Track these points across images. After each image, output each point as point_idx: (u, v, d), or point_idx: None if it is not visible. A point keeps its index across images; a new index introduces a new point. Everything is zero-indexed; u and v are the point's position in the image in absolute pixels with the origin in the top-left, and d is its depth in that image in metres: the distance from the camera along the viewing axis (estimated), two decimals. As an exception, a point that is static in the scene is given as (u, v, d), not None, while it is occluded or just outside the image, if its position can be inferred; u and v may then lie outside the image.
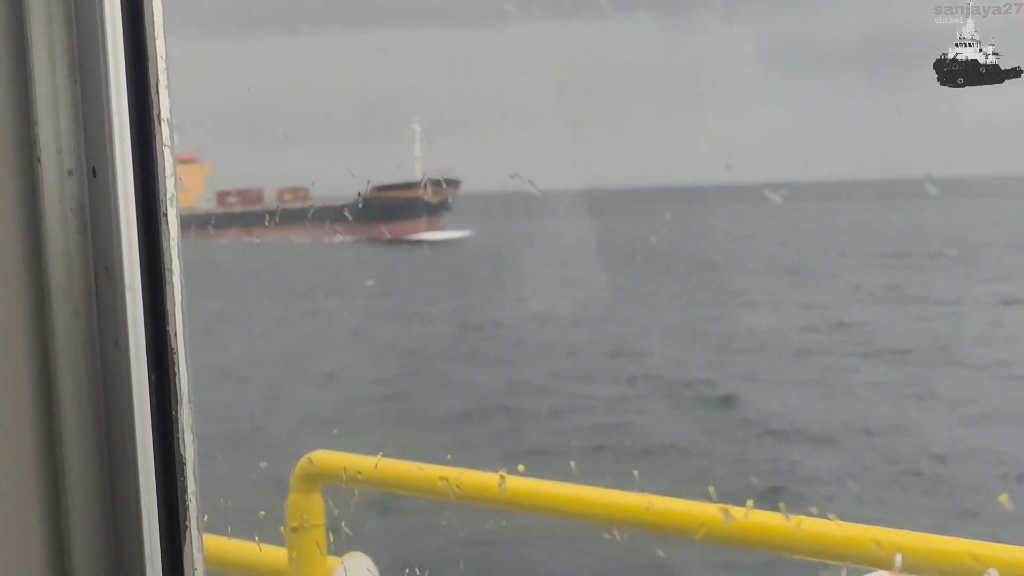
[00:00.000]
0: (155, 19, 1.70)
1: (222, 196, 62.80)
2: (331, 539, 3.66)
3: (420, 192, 55.62)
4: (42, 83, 1.69)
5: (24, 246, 1.68)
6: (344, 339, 26.51)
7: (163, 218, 1.76)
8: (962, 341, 23.86)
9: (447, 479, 3.21)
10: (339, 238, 55.14)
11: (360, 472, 3.44)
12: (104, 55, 1.70)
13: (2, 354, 1.66)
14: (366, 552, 3.62)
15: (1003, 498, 9.05)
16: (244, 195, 61.65)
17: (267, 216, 53.89)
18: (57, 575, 1.68)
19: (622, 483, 3.17)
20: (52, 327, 1.69)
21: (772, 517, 2.77)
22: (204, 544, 1.75)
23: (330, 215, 45.00)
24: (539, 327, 27.07)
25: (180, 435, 1.73)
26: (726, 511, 2.77)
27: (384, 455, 3.38)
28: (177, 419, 1.73)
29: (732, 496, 2.75)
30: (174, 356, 1.71)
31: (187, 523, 1.74)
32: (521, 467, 3.16)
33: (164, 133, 1.76)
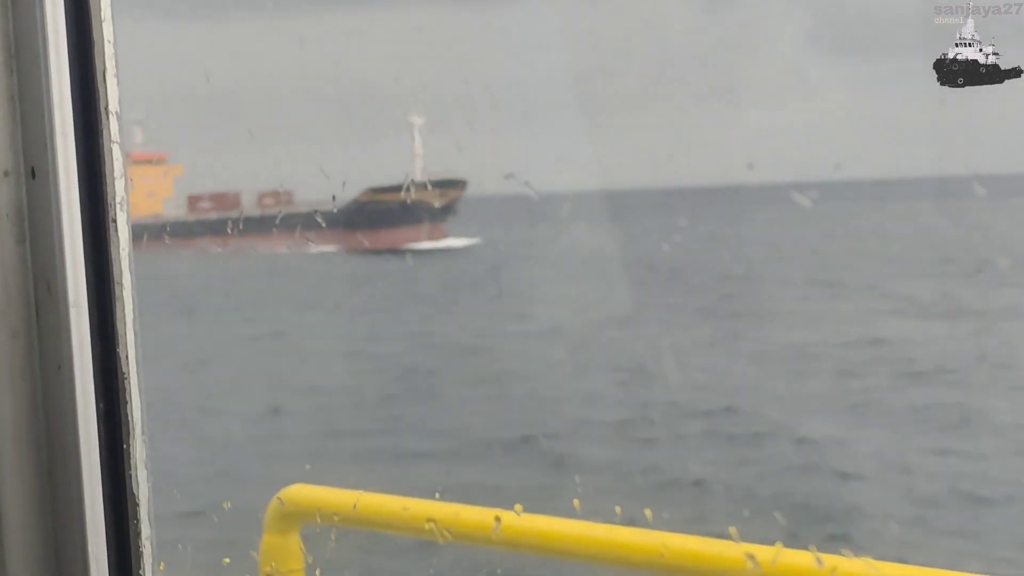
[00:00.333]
0: (101, -1, 1.66)
1: (194, 201, 62.48)
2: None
3: (422, 195, 55.29)
4: (-28, 72, 1.66)
5: (-49, 258, 1.65)
6: (326, 363, 26.47)
7: (112, 225, 1.72)
8: (1017, 361, 23.83)
9: (435, 520, 3.17)
10: (329, 248, 54.59)
11: (337, 512, 3.41)
12: (43, 39, 1.65)
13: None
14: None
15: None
16: (219, 200, 61.24)
17: (245, 223, 53.44)
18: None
19: (633, 522, 3.13)
20: (-15, 350, 1.65)
21: (802, 558, 2.74)
22: (160, 597, 1.71)
23: (318, 222, 44.67)
24: (549, 345, 27.01)
25: (132, 472, 1.69)
26: (750, 555, 2.73)
27: (365, 491, 3.34)
28: (129, 453, 1.69)
29: (757, 536, 2.70)
30: (125, 382, 1.67)
31: (141, 572, 1.69)
32: (518, 507, 3.12)
33: (113, 128, 1.71)
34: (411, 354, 27.01)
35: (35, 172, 1.71)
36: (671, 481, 15.26)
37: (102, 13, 1.70)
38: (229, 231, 52.54)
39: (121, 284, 1.71)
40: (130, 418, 1.71)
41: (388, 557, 9.76)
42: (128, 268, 1.72)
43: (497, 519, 3.11)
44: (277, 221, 45.78)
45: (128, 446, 1.73)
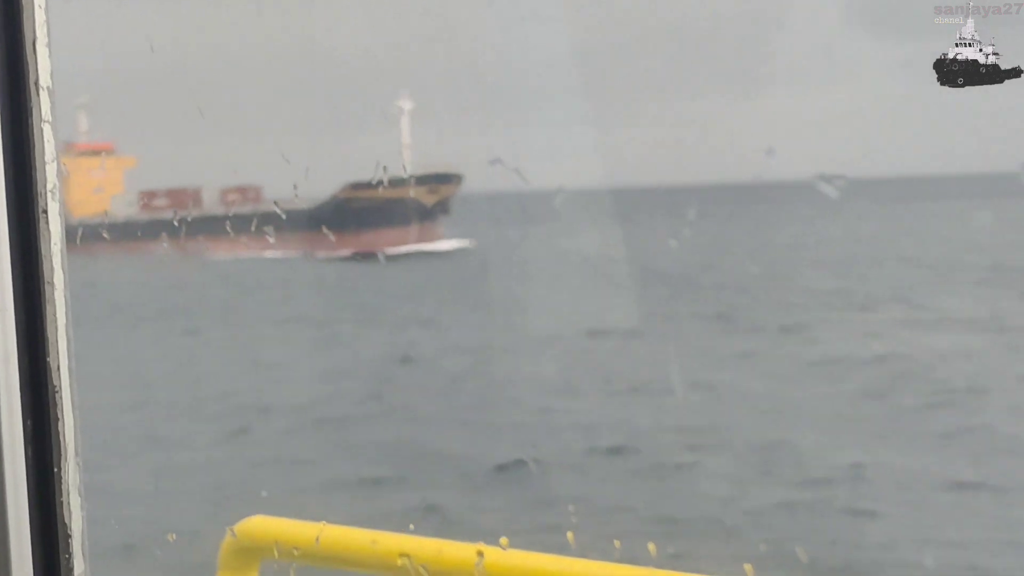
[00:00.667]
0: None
1: (147, 198, 61.88)
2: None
3: (410, 192, 54.69)
4: None
5: None
6: (291, 381, 26.38)
7: (42, 216, 1.68)
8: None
9: (409, 555, 3.14)
10: (302, 252, 53.43)
11: (298, 546, 3.38)
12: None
13: None
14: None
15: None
16: (176, 196, 60.24)
17: (206, 223, 52.88)
18: None
19: (635, 559, 3.11)
20: None
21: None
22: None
23: (291, 222, 44.24)
24: (541, 360, 26.97)
25: (64, 499, 1.66)
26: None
27: (330, 522, 3.31)
28: (60, 478, 1.65)
29: (774, 574, 2.68)
30: (56, 396, 1.63)
31: (73, 612, 1.66)
32: (503, 540, 3.09)
33: (44, 105, 1.67)
34: (386, 370, 26.98)
35: (-47, 156, 1.67)
36: (673, 516, 15.22)
37: (32, -25, 1.65)
38: (185, 233, 51.67)
39: (52, 284, 1.67)
40: (62, 438, 1.67)
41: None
42: (61, 266, 1.68)
43: (480, 554, 3.09)
44: (253, 224, 45.39)
45: (59, 470, 1.69)
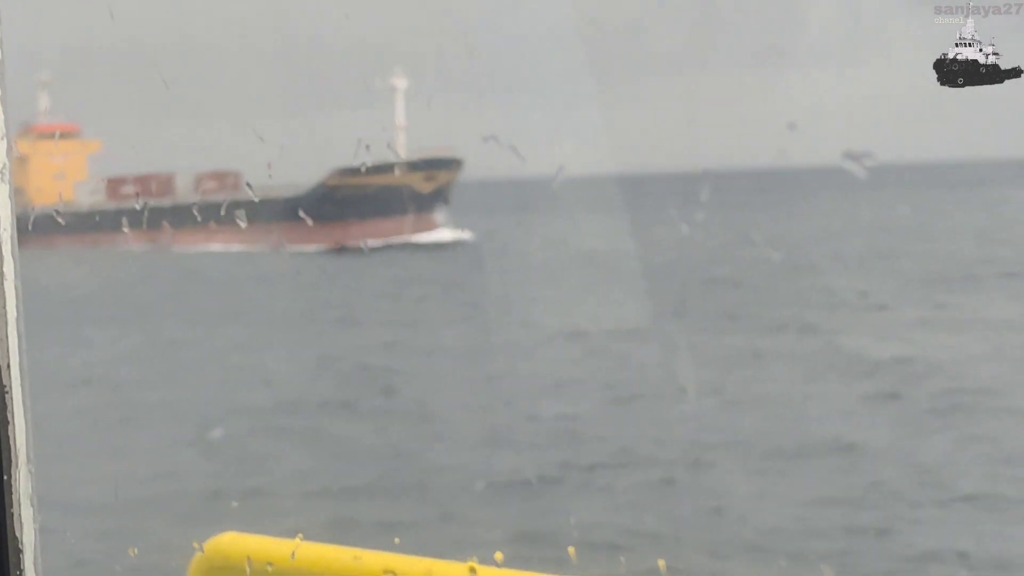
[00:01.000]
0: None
1: (114, 185, 61.44)
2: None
3: (405, 177, 54.04)
4: None
5: None
6: (269, 381, 26.39)
7: (-10, 200, 1.68)
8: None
9: (395, 572, 3.14)
10: (287, 244, 53.82)
11: (272, 562, 3.37)
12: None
13: None
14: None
15: None
16: (147, 183, 59.51)
17: (179, 213, 52.39)
18: None
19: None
20: None
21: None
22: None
23: (274, 211, 43.78)
24: (540, 362, 26.93)
25: (15, 510, 1.65)
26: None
27: (306, 537, 3.30)
28: (11, 487, 1.65)
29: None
30: (6, 397, 1.61)
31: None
32: (498, 555, 3.09)
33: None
34: (370, 371, 26.95)
35: None
36: (675, 530, 15.22)
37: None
38: (154, 223, 51.16)
39: (2, 273, 1.65)
40: (12, 443, 1.67)
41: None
42: (11, 254, 1.66)
43: (472, 571, 3.10)
44: (225, 212, 44.89)
45: (9, 477, 1.68)
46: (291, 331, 32.57)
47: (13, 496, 1.66)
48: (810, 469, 17.84)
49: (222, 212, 42.23)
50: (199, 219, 54.00)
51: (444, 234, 57.41)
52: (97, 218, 53.84)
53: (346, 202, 53.08)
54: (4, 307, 1.63)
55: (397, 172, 55.04)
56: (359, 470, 18.61)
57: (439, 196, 57.43)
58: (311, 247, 53.64)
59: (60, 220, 46.77)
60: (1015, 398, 22.20)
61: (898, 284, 38.64)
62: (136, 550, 10.49)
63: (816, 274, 40.97)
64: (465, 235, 57.56)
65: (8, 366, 1.62)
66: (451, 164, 56.93)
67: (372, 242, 54.91)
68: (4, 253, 1.61)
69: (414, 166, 55.48)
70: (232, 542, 3.62)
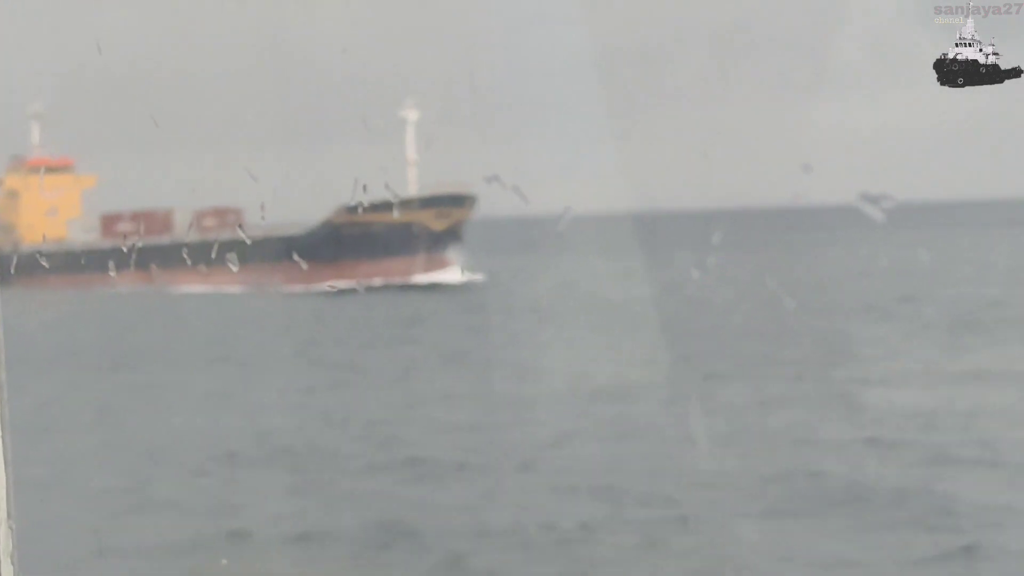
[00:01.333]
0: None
1: (109, 222, 60.92)
2: None
3: (417, 215, 53.71)
4: None
5: None
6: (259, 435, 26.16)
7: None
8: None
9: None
10: (290, 286, 52.70)
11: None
12: None
13: None
14: None
15: None
16: (144, 220, 59.30)
17: (176, 251, 51.59)
18: None
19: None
20: None
21: None
22: None
23: (276, 250, 43.19)
24: (541, 422, 26.50)
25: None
26: None
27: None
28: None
29: None
30: (-12, 452, 1.62)
31: None
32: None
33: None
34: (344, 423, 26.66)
35: None
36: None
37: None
38: (150, 262, 50.70)
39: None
40: (-7, 499, 1.67)
41: None
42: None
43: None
44: (215, 253, 44.20)
45: (-11, 536, 1.69)
46: (289, 384, 32.22)
47: (-8, 556, 1.66)
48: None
49: (215, 253, 41.98)
50: (197, 259, 53.56)
51: (455, 275, 56.72)
52: (83, 261, 53.39)
53: (353, 240, 52.98)
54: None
55: (407, 209, 54.56)
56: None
57: (452, 234, 57.21)
58: (316, 288, 53.16)
59: (44, 263, 46.60)
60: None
61: (917, 330, 38.39)
62: None
63: (833, 320, 40.71)
64: (479, 276, 56.92)
65: (-9, 420, 1.62)
66: (464, 201, 56.61)
67: (379, 282, 54.50)
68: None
69: (426, 203, 55.03)
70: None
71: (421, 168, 58.79)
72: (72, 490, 20.63)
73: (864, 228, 73.50)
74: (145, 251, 55.09)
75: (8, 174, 63.08)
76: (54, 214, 63.53)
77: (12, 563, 1.72)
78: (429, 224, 55.39)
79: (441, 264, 57.49)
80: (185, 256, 50.96)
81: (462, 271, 56.93)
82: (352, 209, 50.96)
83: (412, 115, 59.38)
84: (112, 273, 51.33)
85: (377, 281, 54.72)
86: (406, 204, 54.44)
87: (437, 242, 56.72)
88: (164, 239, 55.89)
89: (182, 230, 58.72)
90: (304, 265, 54.46)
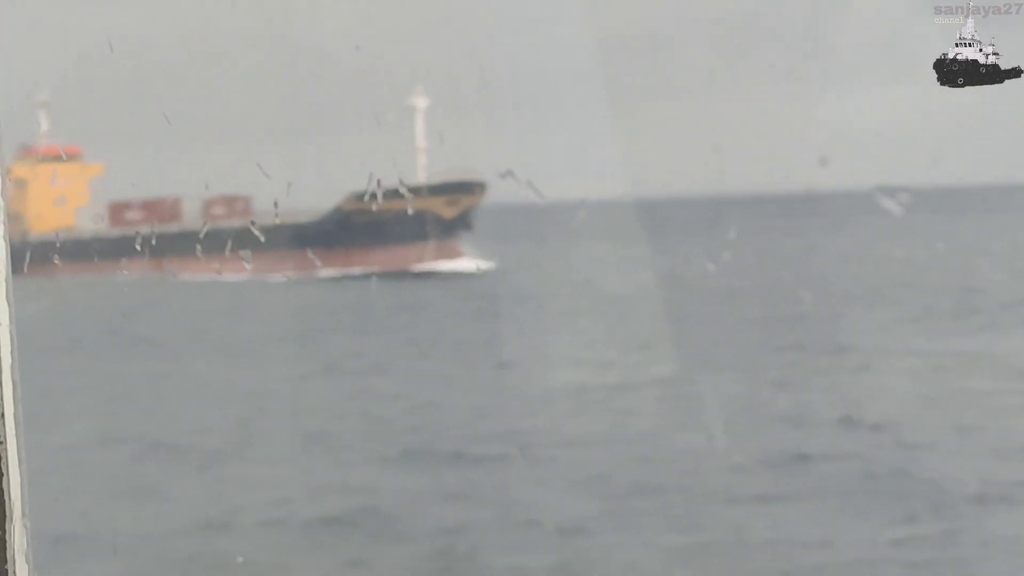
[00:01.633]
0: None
1: (118, 210, 61.13)
2: None
3: (426, 202, 54.18)
4: None
5: None
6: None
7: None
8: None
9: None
10: (301, 272, 53.47)
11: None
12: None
13: None
14: None
15: None
16: (152, 208, 59.95)
17: (186, 240, 51.63)
18: None
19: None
20: None
21: None
22: None
23: (286, 237, 43.06)
24: (552, 419, 26.26)
25: (11, 565, 1.64)
26: None
27: None
28: (5, 542, 1.65)
29: None
30: (1, 448, 1.62)
31: None
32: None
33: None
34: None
35: None
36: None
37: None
38: (160, 251, 50.72)
39: (-3, 321, 1.65)
40: (7, 496, 1.67)
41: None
42: (7, 300, 1.66)
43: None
44: (231, 238, 44.06)
45: (3, 532, 1.69)
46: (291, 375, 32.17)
47: (7, 552, 1.66)
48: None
49: (224, 241, 41.74)
50: (206, 247, 53.63)
51: (465, 263, 56.51)
52: (91, 249, 53.40)
53: (364, 228, 53.24)
54: (1, 359, 1.63)
55: (417, 196, 54.52)
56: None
57: (462, 222, 57.05)
58: (328, 272, 53.15)
59: (57, 261, 46.55)
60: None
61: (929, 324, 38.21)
62: None
63: (846, 311, 40.57)
64: (487, 265, 56.63)
65: (2, 415, 1.62)
66: (475, 188, 56.46)
67: (387, 270, 54.41)
68: (1, 299, 1.61)
69: (435, 189, 54.99)
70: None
71: (430, 156, 58.71)
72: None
73: (881, 213, 73.37)
74: (154, 239, 55.18)
75: (16, 163, 63.33)
76: (62, 203, 63.62)
77: (27, 562, 1.72)
78: (439, 211, 55.33)
79: (452, 252, 57.34)
80: (194, 244, 50.94)
81: (473, 260, 56.79)
82: (361, 196, 51.09)
83: (421, 102, 59.34)
84: (121, 261, 51.35)
85: (382, 269, 54.67)
86: (415, 191, 54.47)
87: (447, 229, 56.51)
88: (173, 227, 56.04)
89: (191, 218, 58.87)
90: (313, 253, 54.41)
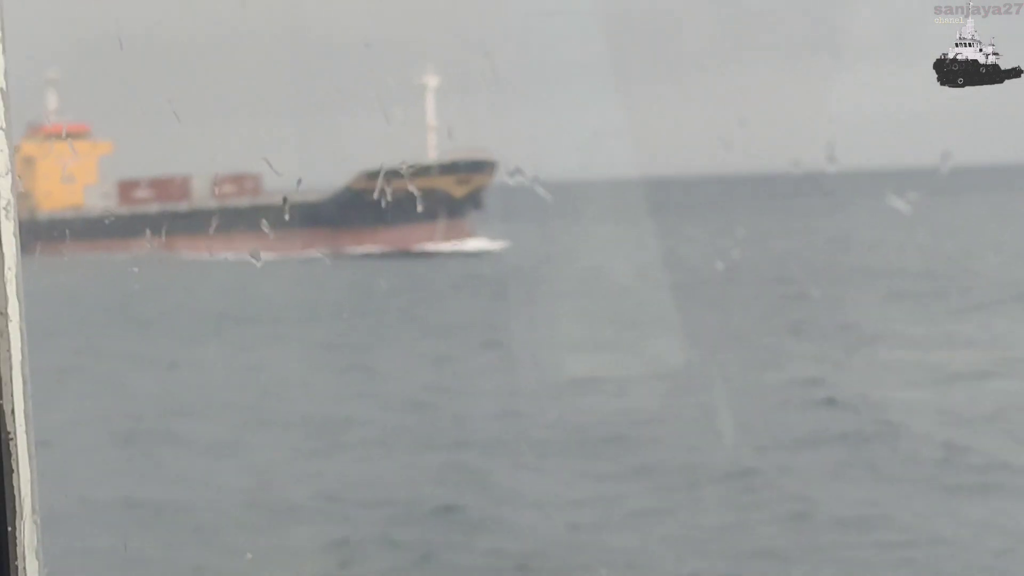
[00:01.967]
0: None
1: (126, 188, 61.29)
2: None
3: (436, 181, 54.04)
4: None
5: None
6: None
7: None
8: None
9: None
10: (308, 251, 52.27)
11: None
12: None
13: None
14: None
15: None
16: (161, 186, 60.22)
17: (195, 218, 51.93)
18: None
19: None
20: None
21: None
22: None
23: (295, 216, 43.00)
24: (558, 415, 26.04)
25: (20, 563, 1.64)
26: None
27: None
28: (15, 539, 1.64)
29: None
30: (10, 444, 1.62)
31: None
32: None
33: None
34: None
35: None
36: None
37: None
38: (167, 228, 50.93)
39: (6, 315, 1.65)
40: (17, 492, 1.66)
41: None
42: (16, 295, 1.65)
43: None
44: (240, 216, 44.07)
45: (14, 529, 1.68)
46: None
47: (18, 549, 1.65)
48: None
49: (233, 219, 41.70)
50: (216, 225, 53.79)
51: (475, 243, 56.49)
52: (100, 227, 53.40)
53: (373, 207, 52.80)
54: (9, 349, 1.62)
55: (427, 175, 54.52)
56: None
57: (472, 201, 57.02)
58: (338, 253, 53.16)
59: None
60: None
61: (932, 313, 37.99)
62: None
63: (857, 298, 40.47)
64: (498, 245, 56.61)
65: (12, 411, 1.61)
66: (485, 166, 56.24)
67: (398, 247, 54.47)
68: (9, 294, 1.60)
69: (446, 168, 54.90)
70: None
71: (440, 135, 58.75)
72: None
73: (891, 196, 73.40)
74: (163, 218, 55.34)
75: (24, 141, 63.43)
76: (71, 181, 63.73)
77: (37, 558, 1.71)
78: (449, 190, 55.27)
79: (461, 231, 57.36)
80: (203, 222, 51.04)
81: (484, 239, 56.85)
82: (372, 175, 50.99)
83: (432, 81, 59.41)
84: (130, 240, 51.34)
85: (392, 248, 54.71)
86: (425, 170, 54.51)
87: (457, 208, 56.37)
88: (182, 206, 56.23)
89: (200, 197, 58.93)
90: (322, 232, 54.45)
